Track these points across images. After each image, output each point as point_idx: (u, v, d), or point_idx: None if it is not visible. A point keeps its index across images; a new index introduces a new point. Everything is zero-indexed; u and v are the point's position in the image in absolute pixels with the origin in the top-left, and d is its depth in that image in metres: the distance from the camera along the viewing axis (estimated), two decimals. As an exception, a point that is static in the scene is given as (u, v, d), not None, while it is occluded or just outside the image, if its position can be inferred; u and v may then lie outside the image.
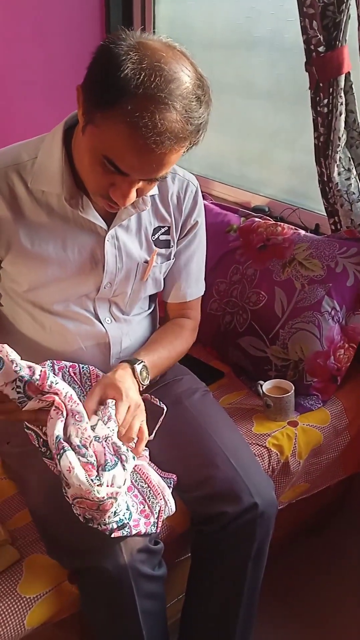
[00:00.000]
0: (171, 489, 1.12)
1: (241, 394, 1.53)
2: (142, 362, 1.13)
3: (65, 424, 0.92)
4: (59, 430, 0.90)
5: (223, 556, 1.11)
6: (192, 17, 2.12)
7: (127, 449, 0.98)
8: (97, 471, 0.91)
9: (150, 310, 1.30)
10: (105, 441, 0.95)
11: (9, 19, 2.01)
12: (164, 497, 1.08)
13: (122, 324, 1.20)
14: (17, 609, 1.00)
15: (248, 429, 1.38)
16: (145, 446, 1.16)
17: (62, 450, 0.89)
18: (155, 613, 1.05)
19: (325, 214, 1.63)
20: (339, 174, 1.51)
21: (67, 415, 0.92)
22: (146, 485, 1.09)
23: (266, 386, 1.42)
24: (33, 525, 1.13)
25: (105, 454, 0.93)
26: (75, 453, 0.90)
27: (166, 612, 1.10)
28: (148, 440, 1.16)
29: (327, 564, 1.65)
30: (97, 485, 0.89)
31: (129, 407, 1.03)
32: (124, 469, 0.94)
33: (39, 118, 1.97)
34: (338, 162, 1.50)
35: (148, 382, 1.13)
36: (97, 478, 0.90)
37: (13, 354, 0.90)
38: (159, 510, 1.06)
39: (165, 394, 1.25)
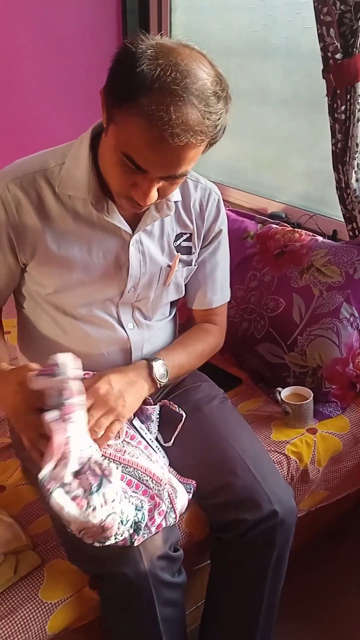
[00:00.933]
0: (190, 494, 1.11)
1: (259, 400, 1.53)
2: (160, 359, 1.14)
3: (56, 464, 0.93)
4: (44, 472, 0.91)
5: (243, 564, 1.11)
6: (209, 25, 2.14)
7: (108, 461, 0.98)
8: (86, 498, 0.90)
9: (171, 317, 1.30)
10: (88, 465, 0.94)
11: (28, 31, 2.04)
12: (170, 484, 1.06)
13: (144, 329, 1.21)
14: (38, 615, 1.01)
15: (267, 435, 1.38)
16: (165, 452, 1.17)
17: (48, 492, 0.89)
18: (174, 620, 1.05)
19: (343, 220, 1.62)
20: (357, 180, 1.51)
21: (59, 458, 0.92)
22: (146, 476, 1.06)
23: (284, 393, 1.41)
24: (54, 531, 1.13)
25: (88, 478, 0.92)
26: (63, 489, 0.90)
27: (185, 619, 1.10)
28: (167, 447, 1.17)
29: (346, 571, 1.64)
30: (92, 511, 0.89)
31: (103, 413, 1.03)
32: (109, 482, 0.93)
33: (59, 127, 2.00)
34: (356, 169, 1.50)
35: (166, 380, 1.13)
36: (89, 506, 0.90)
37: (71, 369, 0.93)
38: (169, 497, 1.05)
39: (183, 400, 1.26)
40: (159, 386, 1.09)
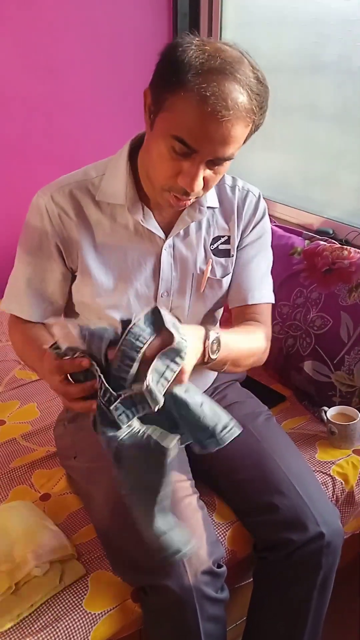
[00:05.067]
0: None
1: (303, 419, 1.51)
2: (216, 332, 0.99)
3: None
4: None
5: (288, 585, 1.10)
6: (259, 41, 2.15)
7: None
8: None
9: None
10: None
11: (78, 41, 2.09)
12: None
13: None
14: (82, 624, 1.02)
15: (311, 455, 1.37)
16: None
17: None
18: (217, 636, 1.04)
19: (394, 238, 1.60)
20: None
21: None
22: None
23: (330, 412, 1.40)
24: (98, 541, 1.15)
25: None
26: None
27: (226, 636, 1.09)
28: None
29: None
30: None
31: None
32: None
33: (107, 138, 2.04)
34: None
35: (215, 357, 0.99)
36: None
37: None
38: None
39: None
40: (206, 359, 0.98)
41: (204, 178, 0.97)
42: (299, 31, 2.01)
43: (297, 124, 2.07)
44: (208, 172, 0.97)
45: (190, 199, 1.01)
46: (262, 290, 1.24)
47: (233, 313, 1.27)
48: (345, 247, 1.61)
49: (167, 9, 2.22)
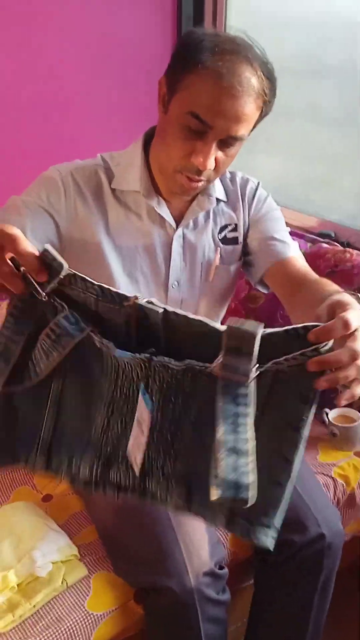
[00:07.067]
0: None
1: (305, 420, 1.51)
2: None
3: None
4: None
5: (289, 587, 1.10)
6: (263, 44, 2.16)
7: None
8: None
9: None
10: None
11: (81, 49, 2.10)
12: None
13: None
14: (85, 625, 1.02)
15: (313, 457, 1.37)
16: None
17: None
18: (217, 638, 1.05)
19: (395, 241, 1.60)
20: None
21: None
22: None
23: (332, 414, 1.40)
24: (100, 542, 1.15)
25: None
26: None
27: (227, 638, 1.10)
28: None
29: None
30: None
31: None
32: None
33: (108, 144, 2.04)
34: None
35: None
36: None
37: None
38: None
39: None
40: None
41: (215, 159, 1.01)
42: (302, 34, 2.01)
43: (299, 127, 2.07)
44: (220, 154, 1.01)
45: (202, 180, 1.04)
46: (295, 244, 1.21)
47: (274, 281, 1.17)
48: (347, 249, 1.61)
49: (172, 12, 2.22)
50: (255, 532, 0.69)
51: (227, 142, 0.99)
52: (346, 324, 0.63)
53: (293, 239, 1.71)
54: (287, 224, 2.05)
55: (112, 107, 2.23)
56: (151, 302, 0.70)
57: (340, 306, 0.67)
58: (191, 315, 0.70)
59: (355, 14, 1.75)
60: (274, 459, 0.69)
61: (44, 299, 0.70)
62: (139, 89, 2.14)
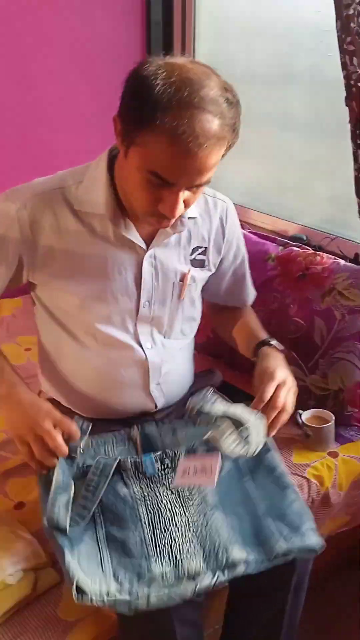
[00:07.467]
0: None
1: (279, 422, 1.52)
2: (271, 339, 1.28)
3: None
4: None
5: (262, 588, 1.10)
6: (232, 52, 2.18)
7: None
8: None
9: (191, 340, 1.31)
10: None
11: (53, 55, 2.10)
12: None
13: (163, 349, 1.22)
14: (56, 633, 1.01)
15: (287, 458, 1.37)
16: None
17: None
18: (193, 641, 1.04)
19: (365, 244, 1.63)
20: (379, 204, 1.51)
21: None
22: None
23: (305, 415, 1.41)
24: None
25: None
26: None
27: (203, 641, 1.09)
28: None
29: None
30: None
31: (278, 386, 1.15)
32: None
33: (82, 150, 2.04)
34: (378, 194, 1.50)
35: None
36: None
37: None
38: None
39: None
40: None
41: (184, 200, 0.99)
42: (272, 42, 2.04)
43: (270, 133, 2.10)
44: (188, 194, 0.99)
45: (172, 220, 1.02)
46: (251, 290, 1.43)
47: (216, 301, 1.40)
48: (318, 252, 1.63)
49: (141, 18, 2.23)
50: None
51: (193, 187, 0.98)
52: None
53: (265, 242, 1.75)
54: (260, 228, 2.09)
55: (85, 114, 2.23)
56: None
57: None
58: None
59: (323, 22, 1.78)
60: None
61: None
62: (114, 95, 2.15)
